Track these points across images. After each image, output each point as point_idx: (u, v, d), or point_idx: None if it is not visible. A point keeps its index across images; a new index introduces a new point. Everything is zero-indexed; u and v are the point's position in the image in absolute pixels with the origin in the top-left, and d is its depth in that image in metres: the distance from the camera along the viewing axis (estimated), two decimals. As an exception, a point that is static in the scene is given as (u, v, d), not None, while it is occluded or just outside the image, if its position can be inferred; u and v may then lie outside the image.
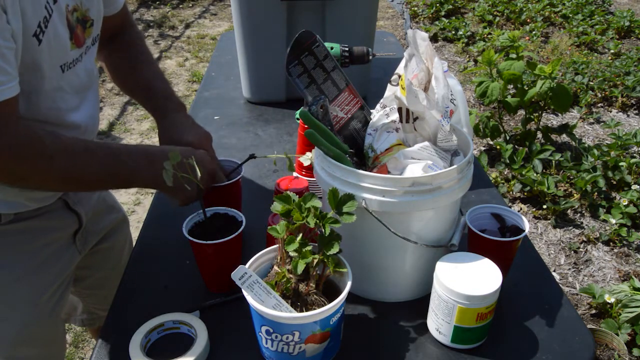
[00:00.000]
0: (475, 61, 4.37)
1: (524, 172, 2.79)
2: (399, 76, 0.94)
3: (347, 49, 1.34)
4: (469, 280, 0.81)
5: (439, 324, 0.84)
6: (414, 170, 0.86)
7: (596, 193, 2.74)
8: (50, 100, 0.91)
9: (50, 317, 1.08)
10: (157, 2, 5.80)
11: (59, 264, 1.08)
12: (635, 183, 2.74)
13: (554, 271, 2.39)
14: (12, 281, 1.00)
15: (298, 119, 1.42)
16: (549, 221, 2.64)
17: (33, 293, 1.03)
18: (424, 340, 0.87)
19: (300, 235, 0.77)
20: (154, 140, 3.45)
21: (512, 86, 3.21)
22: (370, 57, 1.37)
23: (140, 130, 3.58)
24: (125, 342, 0.83)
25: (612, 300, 2.07)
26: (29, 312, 1.04)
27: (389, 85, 1.01)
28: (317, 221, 0.76)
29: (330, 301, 0.76)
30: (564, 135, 3.16)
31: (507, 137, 3.18)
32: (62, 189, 1.01)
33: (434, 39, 4.84)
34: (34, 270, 1.02)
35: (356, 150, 1.00)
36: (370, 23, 1.57)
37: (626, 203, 2.59)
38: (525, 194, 2.80)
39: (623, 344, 1.93)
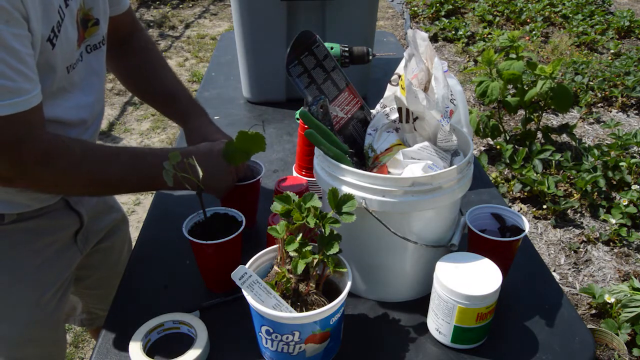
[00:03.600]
0: (475, 61, 4.37)
1: (524, 172, 2.79)
2: (399, 76, 0.94)
3: (347, 49, 1.34)
4: (469, 280, 0.81)
5: (439, 324, 0.84)
6: (414, 170, 0.86)
7: (596, 193, 2.74)
8: (54, 99, 0.91)
9: (51, 318, 1.08)
10: (157, 2, 5.80)
11: (60, 263, 1.08)
12: (635, 183, 2.73)
13: (554, 271, 2.39)
14: (15, 282, 1.00)
15: (298, 119, 1.42)
16: (549, 221, 2.64)
17: (35, 293, 1.03)
18: (424, 340, 0.87)
19: (300, 235, 0.77)
20: (154, 140, 3.45)
21: (512, 86, 3.21)
22: (370, 57, 1.37)
23: (140, 130, 3.57)
24: (125, 342, 0.83)
25: (612, 300, 2.07)
26: (31, 313, 1.04)
27: (389, 85, 1.01)
28: (317, 221, 0.76)
29: (330, 301, 0.76)
30: (564, 135, 3.16)
31: (507, 137, 3.18)
32: (89, 193, 1.03)
33: (434, 39, 4.84)
34: (36, 271, 1.02)
35: (356, 150, 0.99)
36: (370, 23, 1.57)
37: (626, 203, 2.59)
38: (525, 194, 2.80)
39: (623, 344, 1.93)
